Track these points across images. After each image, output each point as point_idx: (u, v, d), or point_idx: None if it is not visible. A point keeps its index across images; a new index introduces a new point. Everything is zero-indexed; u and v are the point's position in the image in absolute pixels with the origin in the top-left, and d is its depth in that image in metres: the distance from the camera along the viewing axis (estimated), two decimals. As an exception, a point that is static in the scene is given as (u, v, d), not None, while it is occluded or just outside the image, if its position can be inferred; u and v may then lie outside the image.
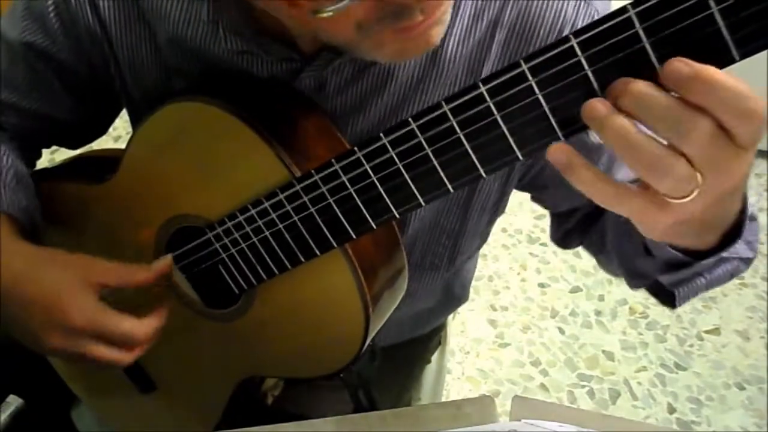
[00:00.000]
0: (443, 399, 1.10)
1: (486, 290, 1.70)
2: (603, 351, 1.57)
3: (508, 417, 0.53)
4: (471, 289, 0.86)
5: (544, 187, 0.63)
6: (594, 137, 0.56)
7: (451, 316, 0.90)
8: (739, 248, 0.52)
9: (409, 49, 0.44)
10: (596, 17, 0.45)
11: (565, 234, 0.70)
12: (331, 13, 0.38)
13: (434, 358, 0.94)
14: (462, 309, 0.89)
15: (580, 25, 0.52)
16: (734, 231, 0.45)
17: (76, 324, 0.53)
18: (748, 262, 0.56)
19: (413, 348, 0.86)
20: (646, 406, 1.47)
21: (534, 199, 0.68)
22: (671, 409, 1.47)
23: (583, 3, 0.52)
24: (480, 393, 1.47)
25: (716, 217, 0.41)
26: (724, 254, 0.51)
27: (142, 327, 0.56)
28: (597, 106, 0.34)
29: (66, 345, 0.54)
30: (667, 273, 0.52)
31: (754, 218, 0.53)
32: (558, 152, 0.36)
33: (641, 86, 0.33)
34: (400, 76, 0.53)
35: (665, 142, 0.33)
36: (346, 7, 0.38)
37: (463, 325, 1.62)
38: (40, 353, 0.57)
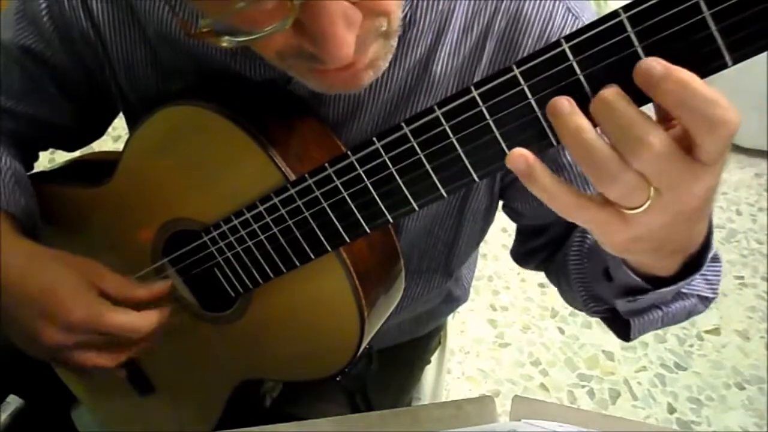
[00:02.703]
0: (443, 399, 1.10)
1: (486, 290, 1.70)
2: (603, 351, 1.57)
3: (508, 417, 0.53)
4: (471, 290, 0.86)
5: (515, 196, 0.62)
6: (563, 156, 0.56)
7: (450, 316, 0.90)
8: (699, 285, 0.52)
9: (335, 86, 0.44)
10: None
11: (528, 252, 0.69)
12: (226, 44, 0.37)
13: (434, 358, 0.94)
14: (462, 309, 0.90)
15: None
16: (695, 262, 0.44)
17: (75, 318, 0.53)
18: (706, 302, 0.55)
19: (413, 349, 0.86)
20: (646, 406, 1.47)
21: (505, 208, 0.66)
22: (671, 409, 1.47)
23: (570, 15, 0.52)
24: (480, 393, 1.47)
25: (676, 238, 0.40)
26: (684, 290, 0.51)
27: (142, 320, 0.55)
28: (562, 102, 0.33)
29: (63, 340, 0.53)
30: (624, 298, 0.51)
31: (717, 259, 0.52)
32: (518, 158, 0.35)
33: (608, 92, 0.32)
34: (392, 86, 0.53)
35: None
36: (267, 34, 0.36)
37: (463, 325, 1.61)
38: (35, 356, 0.57)
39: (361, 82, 0.43)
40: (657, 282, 0.47)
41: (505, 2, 0.51)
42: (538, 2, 0.51)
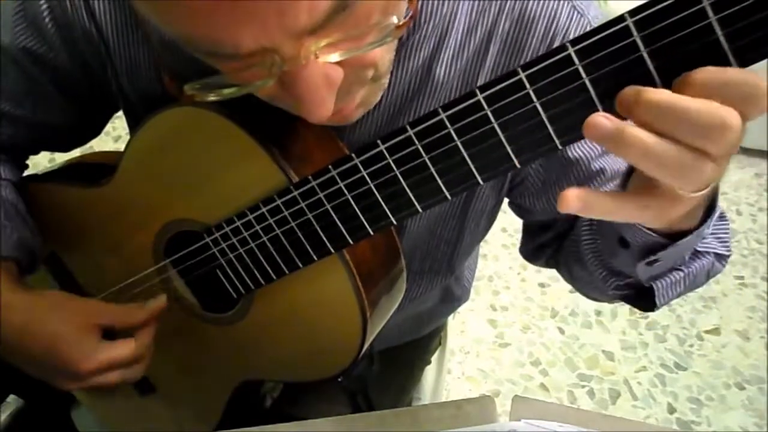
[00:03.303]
0: (443, 399, 1.10)
1: (486, 290, 1.70)
2: (603, 351, 1.58)
3: (508, 417, 0.53)
4: (471, 289, 0.86)
5: (525, 194, 0.62)
6: (571, 151, 0.56)
7: (451, 316, 0.90)
8: (713, 243, 0.54)
9: (325, 123, 0.44)
10: (588, 28, 0.44)
11: (537, 247, 0.69)
12: (214, 98, 0.39)
13: (434, 358, 0.94)
14: (462, 309, 0.90)
15: (572, 35, 0.52)
16: (709, 210, 0.46)
17: (82, 369, 0.56)
18: (722, 260, 0.56)
19: (413, 349, 0.86)
20: (646, 406, 1.47)
21: (512, 205, 0.66)
22: (671, 409, 1.47)
23: (576, 13, 0.51)
24: (480, 393, 1.47)
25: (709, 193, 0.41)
26: (699, 248, 0.52)
27: (139, 344, 0.59)
28: (601, 122, 0.32)
29: (80, 385, 0.57)
30: (644, 260, 0.50)
31: (724, 217, 0.54)
32: (573, 201, 0.34)
33: (662, 94, 0.31)
34: (395, 89, 0.53)
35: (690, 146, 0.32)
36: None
37: (463, 325, 1.62)
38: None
39: (351, 119, 0.44)
40: (672, 237, 0.47)
41: (509, 3, 0.51)
42: (542, 1, 0.51)
